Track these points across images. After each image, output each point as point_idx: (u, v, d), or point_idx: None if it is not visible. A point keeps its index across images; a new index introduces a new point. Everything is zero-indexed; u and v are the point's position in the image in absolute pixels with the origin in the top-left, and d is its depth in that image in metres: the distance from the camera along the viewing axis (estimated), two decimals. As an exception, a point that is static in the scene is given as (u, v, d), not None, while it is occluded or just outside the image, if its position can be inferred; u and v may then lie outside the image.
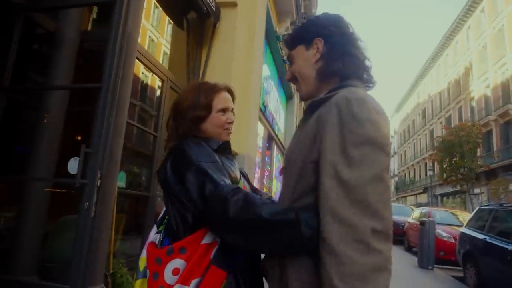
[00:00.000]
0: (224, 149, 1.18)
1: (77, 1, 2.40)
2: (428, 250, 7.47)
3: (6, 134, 2.59)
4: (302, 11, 15.19)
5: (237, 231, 0.92)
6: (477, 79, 26.66)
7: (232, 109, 1.25)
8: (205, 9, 4.11)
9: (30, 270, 2.22)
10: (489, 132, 24.80)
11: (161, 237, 1.06)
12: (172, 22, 4.73)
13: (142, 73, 4.75)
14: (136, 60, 2.73)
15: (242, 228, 0.91)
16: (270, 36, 7.19)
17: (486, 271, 5.53)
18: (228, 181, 0.99)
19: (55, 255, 2.52)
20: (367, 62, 1.04)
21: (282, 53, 8.61)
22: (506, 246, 4.97)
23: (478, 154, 21.70)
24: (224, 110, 1.20)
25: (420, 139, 39.08)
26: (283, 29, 8.21)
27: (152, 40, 6.42)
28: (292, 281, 0.86)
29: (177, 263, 0.96)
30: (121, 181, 2.97)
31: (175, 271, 0.95)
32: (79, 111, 2.81)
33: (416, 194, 39.08)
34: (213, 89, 1.22)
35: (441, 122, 32.53)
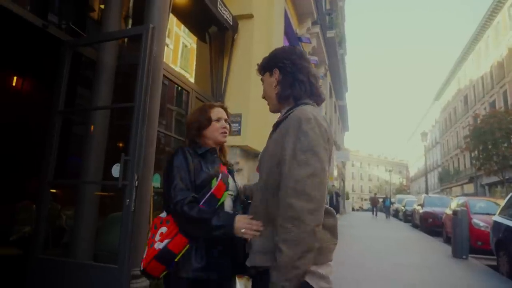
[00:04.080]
0: (211, 153, 1.67)
1: (113, 35, 2.90)
2: (462, 239, 7.43)
3: (62, 147, 3.15)
4: (328, 7, 15.26)
5: (181, 223, 1.48)
6: (522, 60, 25.15)
7: (226, 120, 1.75)
8: (223, 23, 4.54)
9: (88, 256, 2.75)
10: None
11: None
12: (196, 37, 5.21)
13: (171, 87, 5.26)
14: (165, 78, 3.21)
15: (182, 221, 1.47)
16: (292, 39, 7.51)
17: (517, 258, 5.52)
18: (183, 185, 1.49)
19: (104, 245, 3.05)
20: (312, 84, 1.36)
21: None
22: (535, 232, 4.97)
23: None
24: (218, 120, 1.71)
25: (463, 127, 37.32)
26: (305, 29, 8.49)
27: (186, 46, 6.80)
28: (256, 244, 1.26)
29: (163, 229, 1.48)
30: (156, 182, 3.46)
31: (161, 234, 1.48)
32: (118, 124, 3.33)
33: (462, 185, 37.37)
34: (211, 107, 1.75)
35: (484, 108, 30.94)
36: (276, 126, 1.34)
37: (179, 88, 4.15)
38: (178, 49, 6.51)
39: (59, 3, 3.53)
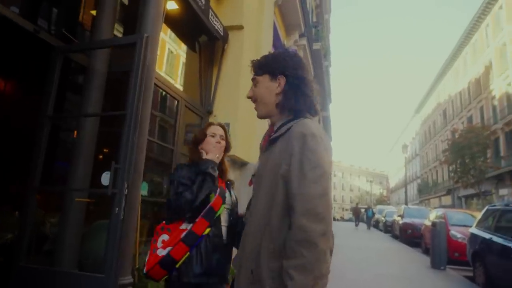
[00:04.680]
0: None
1: (106, 43, 2.91)
2: (440, 250, 7.63)
3: (48, 152, 3.11)
4: (314, 19, 15.56)
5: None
6: (498, 77, 26.18)
7: (221, 136, 1.92)
8: (213, 33, 4.59)
9: (72, 264, 2.70)
10: (512, 131, 24.29)
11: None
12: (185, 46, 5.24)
13: (161, 95, 5.26)
14: (155, 86, 3.22)
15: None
16: (279, 50, 7.62)
17: (493, 269, 5.71)
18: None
19: (89, 253, 3.01)
20: (315, 99, 1.31)
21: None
22: (510, 245, 5.16)
23: (488, 156, 21.44)
24: (213, 135, 1.88)
25: (441, 139, 38.39)
26: (292, 41, 8.64)
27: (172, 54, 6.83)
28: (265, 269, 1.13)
29: (165, 237, 1.63)
30: (143, 190, 3.44)
31: (163, 241, 1.62)
32: (105, 131, 3.31)
33: (440, 196, 38.30)
34: (209, 125, 1.97)
35: (462, 122, 31.97)
36: (274, 140, 1.25)
37: (168, 96, 4.16)
38: (163, 55, 6.53)
39: (49, 8, 3.52)
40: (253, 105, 1.39)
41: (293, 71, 1.28)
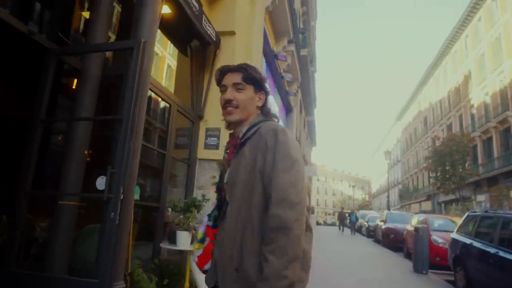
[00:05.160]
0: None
1: (102, 47, 2.90)
2: (422, 255, 7.81)
3: (40, 156, 3.06)
4: (301, 26, 15.76)
5: None
6: (476, 86, 27.07)
7: None
8: (206, 38, 4.61)
9: (63, 270, 2.67)
10: (489, 139, 25.11)
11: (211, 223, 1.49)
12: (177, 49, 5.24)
13: (154, 99, 5.24)
14: (149, 90, 3.22)
15: None
16: (269, 57, 7.71)
17: (473, 273, 5.89)
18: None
19: (78, 258, 2.97)
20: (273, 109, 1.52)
21: (280, 70, 9.11)
22: (489, 250, 5.35)
23: (468, 163, 22.25)
24: None
25: (422, 146, 39.32)
26: (281, 47, 8.74)
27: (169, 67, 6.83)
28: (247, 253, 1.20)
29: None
30: (135, 194, 3.43)
31: None
32: (100, 135, 3.29)
33: (420, 202, 39.14)
34: None
35: (442, 130, 32.85)
36: (243, 144, 1.31)
37: (162, 100, 4.16)
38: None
39: (41, 9, 3.47)
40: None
41: (267, 89, 1.48)
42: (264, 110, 1.44)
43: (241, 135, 1.35)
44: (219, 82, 1.46)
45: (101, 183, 2.42)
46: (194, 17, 4.08)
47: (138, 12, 2.92)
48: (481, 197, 24.72)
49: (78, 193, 2.77)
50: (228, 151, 1.42)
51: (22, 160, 2.81)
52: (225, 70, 1.45)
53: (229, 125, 1.42)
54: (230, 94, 1.38)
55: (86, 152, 2.95)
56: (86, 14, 3.93)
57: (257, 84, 1.42)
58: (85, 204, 3.32)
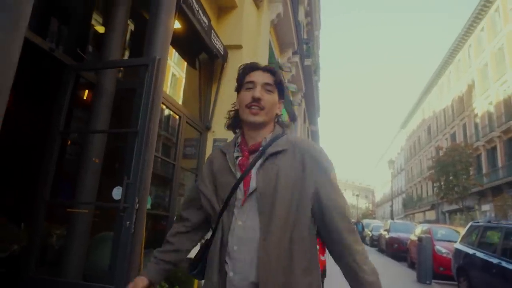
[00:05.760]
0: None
1: (118, 63, 3.05)
2: (426, 265, 7.85)
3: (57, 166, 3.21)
4: (305, 37, 15.98)
5: None
6: (480, 96, 27.12)
7: None
8: (214, 51, 4.77)
9: (78, 276, 2.79)
10: (493, 149, 25.08)
11: None
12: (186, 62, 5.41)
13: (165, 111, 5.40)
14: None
15: None
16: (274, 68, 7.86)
17: (476, 284, 5.94)
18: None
19: (92, 265, 3.09)
20: None
21: (285, 81, 9.27)
22: (492, 260, 5.41)
23: (471, 173, 22.28)
24: None
25: (426, 155, 39.25)
26: (286, 58, 8.91)
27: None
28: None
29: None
30: (148, 203, 3.55)
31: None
32: (112, 146, 3.42)
33: (424, 211, 38.94)
34: None
35: (446, 139, 32.85)
36: (274, 154, 1.23)
37: (172, 112, 4.30)
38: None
39: (59, 25, 3.64)
40: None
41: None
42: (279, 119, 1.38)
43: (264, 143, 1.27)
44: (242, 77, 1.34)
45: (117, 193, 2.55)
46: (203, 32, 4.24)
47: (151, 30, 3.07)
48: (485, 207, 24.62)
49: (95, 202, 2.90)
50: (241, 154, 1.29)
51: (38, 169, 2.95)
52: (254, 67, 1.34)
53: (250, 126, 1.30)
54: (260, 92, 1.27)
55: (101, 162, 3.09)
56: (100, 29, 4.11)
57: (281, 91, 1.36)
58: (98, 212, 3.46)
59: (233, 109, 1.44)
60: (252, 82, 1.30)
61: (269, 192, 1.18)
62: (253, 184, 1.21)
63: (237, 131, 1.42)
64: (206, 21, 4.28)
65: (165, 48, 3.11)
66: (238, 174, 1.25)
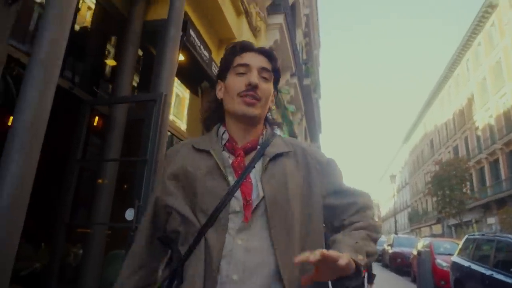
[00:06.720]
0: None
1: (129, 98, 3.44)
2: (426, 279, 8.01)
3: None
4: (304, 57, 16.46)
5: None
6: (480, 109, 27.40)
7: None
8: (215, 79, 5.15)
9: (94, 291, 3.09)
10: (496, 161, 25.17)
11: None
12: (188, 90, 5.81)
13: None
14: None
15: None
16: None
17: (472, 295, 6.12)
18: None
19: (104, 281, 3.39)
20: None
21: (284, 102, 9.65)
22: (485, 272, 5.62)
23: (467, 187, 22.54)
24: None
25: (430, 169, 39.22)
26: (284, 81, 9.31)
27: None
28: None
29: None
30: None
31: None
32: (124, 171, 3.78)
33: (430, 225, 38.65)
34: None
35: (449, 152, 32.98)
36: (277, 157, 1.00)
37: (176, 138, 4.67)
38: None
39: (75, 62, 4.05)
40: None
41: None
42: (270, 115, 1.14)
43: (261, 141, 1.05)
44: (231, 58, 1.07)
45: (129, 214, 2.88)
46: (205, 64, 4.64)
47: (158, 66, 3.46)
48: (491, 220, 24.55)
49: (110, 223, 3.23)
50: (233, 154, 1.01)
51: (56, 194, 3.29)
52: (248, 47, 1.07)
53: (241, 119, 1.03)
54: (257, 78, 1.02)
55: (114, 187, 3.43)
56: (111, 62, 4.52)
57: (277, 80, 1.11)
58: (110, 232, 3.78)
59: (211, 101, 1.15)
60: (245, 65, 1.03)
61: (281, 202, 0.94)
62: (258, 191, 0.95)
63: (219, 126, 1.09)
64: (207, 54, 4.69)
65: (171, 82, 3.50)
66: (231, 179, 0.95)
